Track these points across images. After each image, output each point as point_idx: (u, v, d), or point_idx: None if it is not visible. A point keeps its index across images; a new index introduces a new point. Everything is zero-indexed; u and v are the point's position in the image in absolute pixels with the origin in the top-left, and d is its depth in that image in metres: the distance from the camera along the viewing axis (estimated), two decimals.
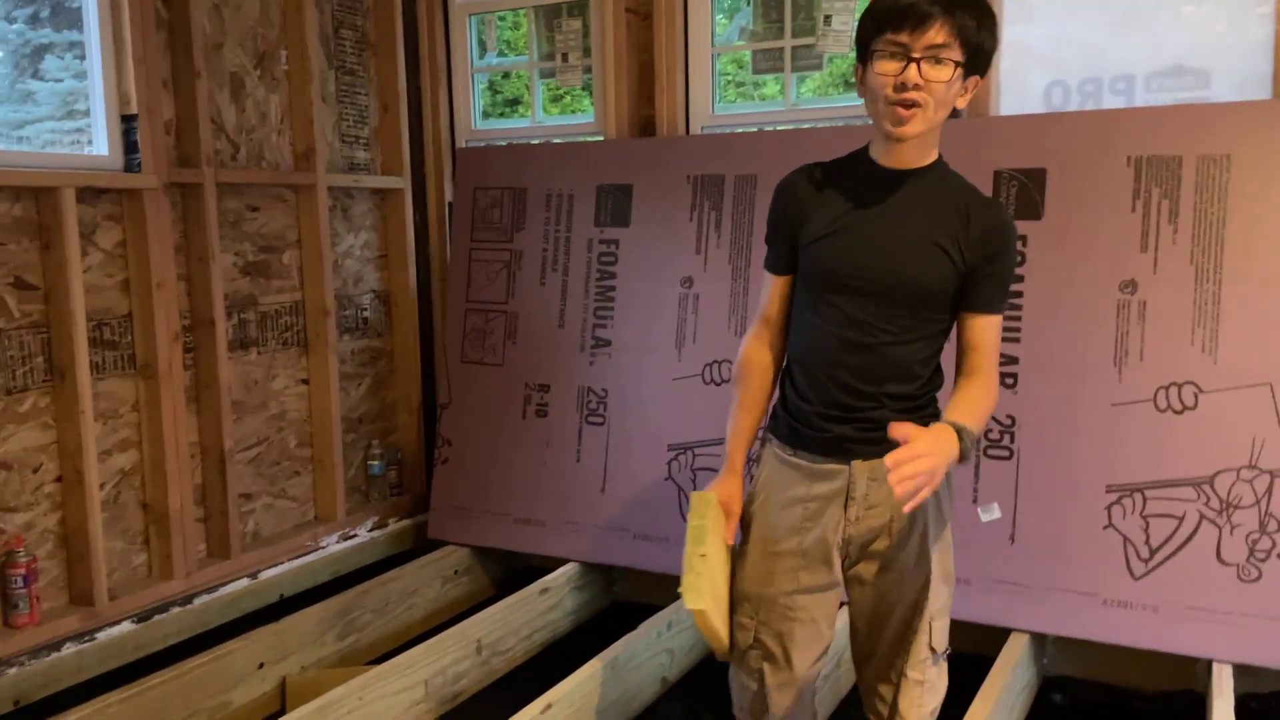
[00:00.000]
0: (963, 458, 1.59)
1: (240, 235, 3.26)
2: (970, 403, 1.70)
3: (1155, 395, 2.69)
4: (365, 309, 3.75)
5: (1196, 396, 2.65)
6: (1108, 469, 2.72)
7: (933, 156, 1.75)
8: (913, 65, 1.61)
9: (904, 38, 1.61)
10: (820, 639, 1.87)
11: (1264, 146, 2.62)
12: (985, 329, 1.74)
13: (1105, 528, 2.71)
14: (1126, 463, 2.70)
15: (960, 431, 1.59)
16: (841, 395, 1.76)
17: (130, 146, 2.86)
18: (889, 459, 1.46)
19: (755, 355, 1.90)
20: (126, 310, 2.92)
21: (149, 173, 2.88)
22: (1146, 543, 2.67)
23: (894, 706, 1.84)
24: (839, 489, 1.79)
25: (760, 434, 1.95)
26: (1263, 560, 2.55)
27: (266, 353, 3.37)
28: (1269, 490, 2.56)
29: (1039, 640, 2.83)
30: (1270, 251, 2.60)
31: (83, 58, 2.85)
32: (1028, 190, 2.84)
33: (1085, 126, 2.81)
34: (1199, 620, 2.59)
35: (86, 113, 2.88)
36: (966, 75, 1.66)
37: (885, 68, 1.63)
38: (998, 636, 2.74)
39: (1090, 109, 2.98)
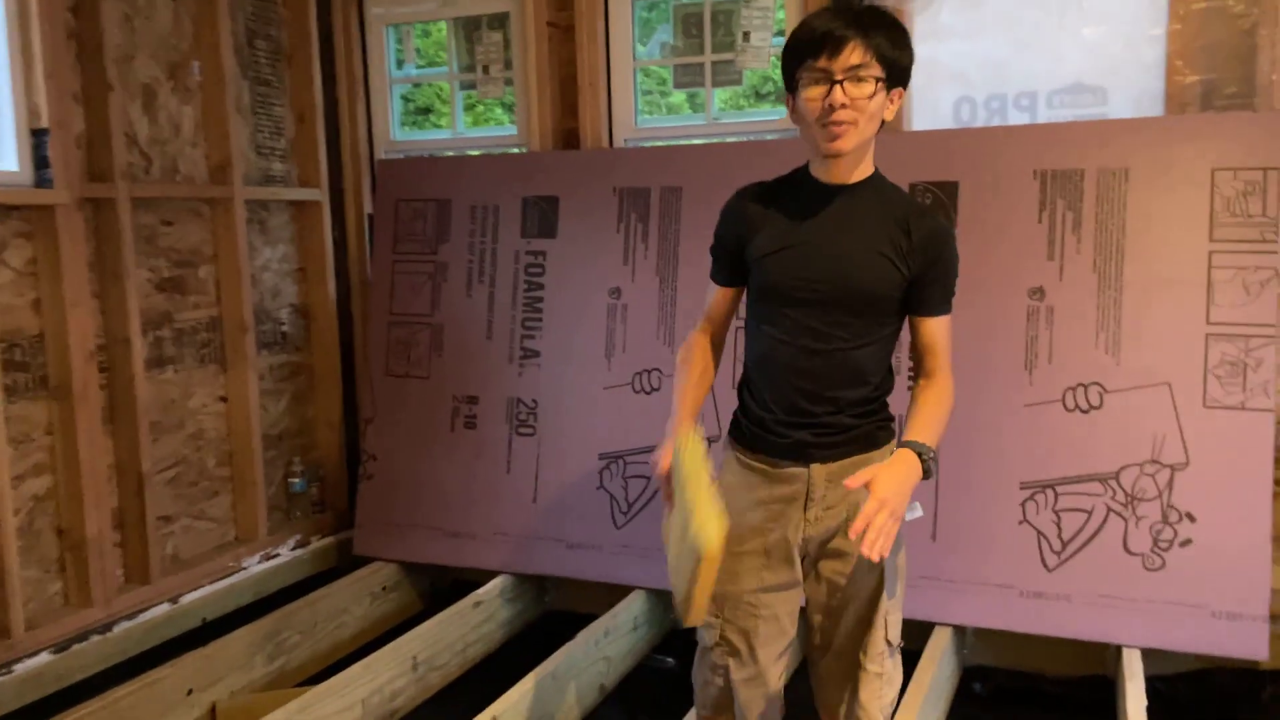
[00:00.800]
0: (926, 475, 1.69)
1: (155, 250, 3.18)
2: (930, 415, 1.79)
3: (1064, 395, 2.84)
4: (284, 323, 3.69)
5: (1102, 396, 2.80)
6: (1021, 467, 2.86)
7: (869, 170, 1.84)
8: (837, 87, 1.70)
9: (824, 63, 1.70)
10: (784, 634, 1.94)
11: (1158, 160, 2.79)
12: (937, 329, 1.84)
13: (1020, 523, 2.85)
14: (1039, 460, 2.84)
15: (921, 452, 1.69)
16: (800, 401, 1.84)
17: (41, 161, 2.76)
18: (856, 525, 1.58)
19: (699, 339, 1.97)
20: (38, 330, 2.82)
21: (61, 188, 2.78)
22: (1059, 536, 2.82)
23: (853, 699, 1.91)
24: (798, 491, 1.87)
25: (724, 440, 2.02)
26: (1165, 550, 2.72)
27: (184, 370, 3.28)
28: (1170, 483, 2.73)
29: (960, 632, 2.96)
30: (1165, 259, 2.77)
31: None
32: (941, 202, 2.96)
33: (994, 141, 2.95)
34: (1109, 608, 2.74)
35: None
36: (889, 88, 1.75)
37: (812, 93, 1.73)
38: (922, 631, 2.85)
39: (997, 124, 3.13)
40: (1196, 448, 2.71)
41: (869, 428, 1.87)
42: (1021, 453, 2.86)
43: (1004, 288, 2.90)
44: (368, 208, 3.83)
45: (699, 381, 1.93)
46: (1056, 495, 2.82)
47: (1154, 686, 2.79)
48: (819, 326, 1.81)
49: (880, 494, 1.60)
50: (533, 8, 3.47)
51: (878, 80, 1.71)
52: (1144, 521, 2.74)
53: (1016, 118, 3.11)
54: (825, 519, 1.87)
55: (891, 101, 1.76)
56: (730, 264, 1.91)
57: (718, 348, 1.99)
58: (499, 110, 5.18)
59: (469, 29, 3.77)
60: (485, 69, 3.67)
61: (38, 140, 2.75)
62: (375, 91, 3.86)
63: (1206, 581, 2.67)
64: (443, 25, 3.97)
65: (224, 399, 3.43)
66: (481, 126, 4.70)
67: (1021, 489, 2.85)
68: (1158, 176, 2.78)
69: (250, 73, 3.52)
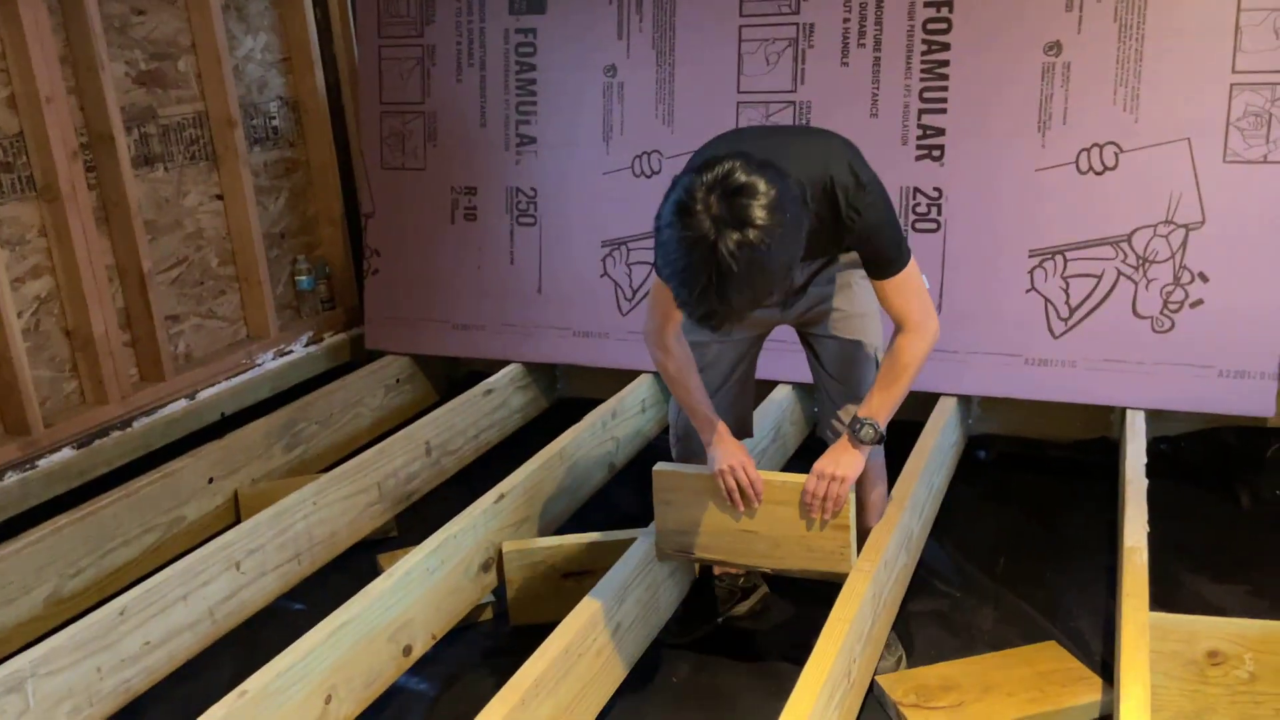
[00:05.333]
0: (877, 442, 1.95)
1: (129, 42, 3.05)
2: (884, 389, 1.92)
3: (1078, 157, 2.72)
4: (274, 117, 3.58)
5: (1117, 156, 2.69)
6: (1030, 234, 2.78)
7: None
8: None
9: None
10: (722, 363, 2.13)
11: None
12: (889, 289, 1.88)
13: (1028, 291, 2.80)
14: (1048, 226, 2.77)
15: (859, 430, 1.92)
16: None
17: None
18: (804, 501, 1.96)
19: (670, 344, 1.95)
20: (17, 129, 2.74)
21: None
22: (1066, 303, 2.77)
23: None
24: None
25: None
26: (1175, 311, 2.67)
27: (174, 168, 3.21)
28: (1184, 244, 2.65)
29: (965, 402, 2.97)
30: (1192, 5, 2.59)
31: None
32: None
33: None
34: (1115, 371, 2.73)
35: None
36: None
37: None
38: (926, 402, 2.86)
39: None
40: (1214, 205, 2.62)
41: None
42: (1031, 220, 2.77)
43: (1016, 45, 2.73)
44: None
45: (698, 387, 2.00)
46: (1066, 261, 2.76)
47: (1158, 447, 2.81)
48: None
49: (820, 469, 1.92)
50: None
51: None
52: (1155, 284, 2.68)
53: None
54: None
55: None
56: None
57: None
58: None
59: None
60: None
61: None
62: None
63: (1216, 341, 2.64)
64: None
65: (219, 197, 3.37)
66: None
67: (1030, 256, 2.79)
68: None
69: None
